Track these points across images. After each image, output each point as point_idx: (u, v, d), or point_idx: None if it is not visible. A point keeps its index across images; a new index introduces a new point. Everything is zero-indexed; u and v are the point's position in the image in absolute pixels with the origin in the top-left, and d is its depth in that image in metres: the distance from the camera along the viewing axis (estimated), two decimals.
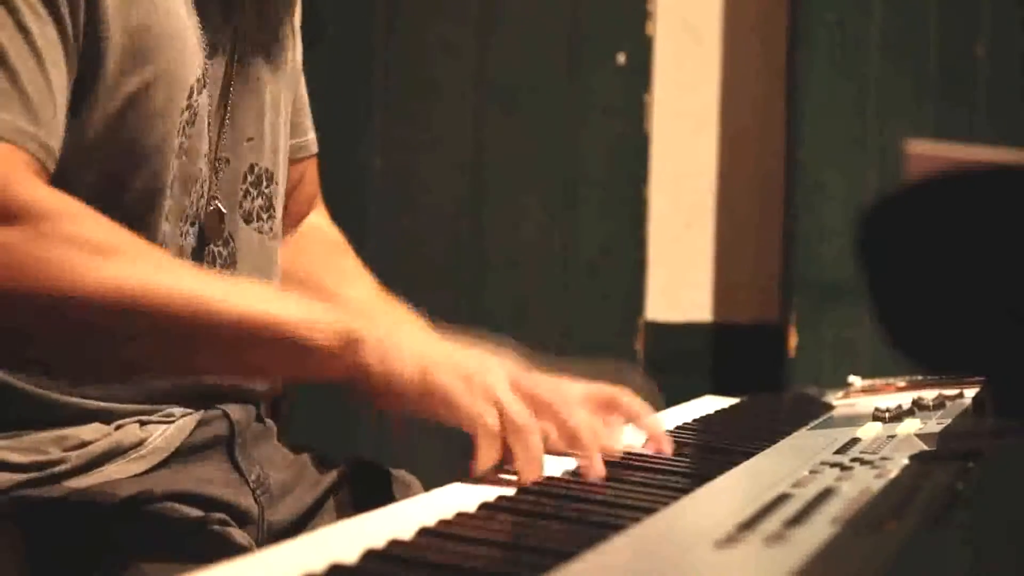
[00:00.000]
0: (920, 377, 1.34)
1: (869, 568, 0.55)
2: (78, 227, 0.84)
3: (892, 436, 0.95)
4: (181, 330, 0.85)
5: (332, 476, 1.14)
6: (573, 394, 0.96)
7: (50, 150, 0.88)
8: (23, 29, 0.86)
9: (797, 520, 0.64)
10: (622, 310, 2.43)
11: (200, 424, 1.04)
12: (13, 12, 0.86)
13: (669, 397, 1.43)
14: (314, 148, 1.29)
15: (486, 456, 0.86)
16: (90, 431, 0.98)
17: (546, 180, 2.41)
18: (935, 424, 0.99)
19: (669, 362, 2.50)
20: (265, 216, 1.10)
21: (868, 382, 1.43)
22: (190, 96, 0.98)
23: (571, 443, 0.88)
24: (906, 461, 0.81)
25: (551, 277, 2.39)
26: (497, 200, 2.38)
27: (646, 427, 0.98)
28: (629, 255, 2.43)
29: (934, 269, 0.69)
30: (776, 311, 2.51)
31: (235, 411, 1.07)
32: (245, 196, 1.08)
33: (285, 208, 1.18)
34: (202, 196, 1.02)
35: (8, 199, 0.82)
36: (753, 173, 2.57)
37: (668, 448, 0.97)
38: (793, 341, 2.45)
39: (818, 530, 0.62)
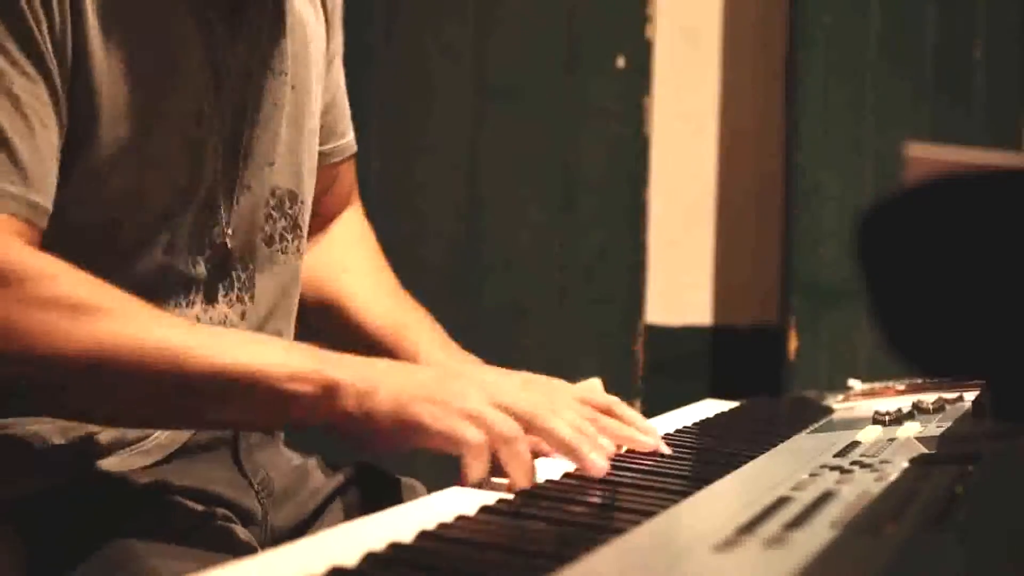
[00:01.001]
0: (920, 380, 1.34)
1: (869, 571, 0.55)
2: (57, 288, 0.84)
3: (892, 439, 0.95)
4: (158, 386, 0.85)
5: (337, 480, 1.14)
6: (559, 397, 0.96)
7: (38, 208, 0.88)
8: (9, 90, 0.87)
9: (797, 523, 0.64)
10: (621, 313, 2.43)
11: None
12: (0, 74, 0.87)
13: (668, 400, 1.44)
14: (352, 149, 1.29)
15: (474, 471, 0.86)
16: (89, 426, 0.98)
17: (545, 183, 2.41)
18: (935, 427, 0.99)
19: (669, 365, 2.50)
20: (290, 237, 1.10)
21: (868, 385, 1.43)
22: (188, 131, 0.97)
23: (560, 449, 0.89)
24: (906, 464, 0.81)
25: (550, 280, 2.39)
26: (496, 203, 2.38)
27: (640, 443, 0.98)
28: (628, 258, 2.43)
29: (933, 272, 0.69)
30: (776, 314, 2.51)
31: None
32: (267, 220, 1.07)
33: (317, 208, 1.18)
34: (215, 225, 1.02)
35: None
36: (752, 176, 2.57)
37: (666, 450, 0.97)
38: (793, 344, 2.45)
39: (818, 533, 0.62)
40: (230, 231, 1.03)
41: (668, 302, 2.54)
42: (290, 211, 1.10)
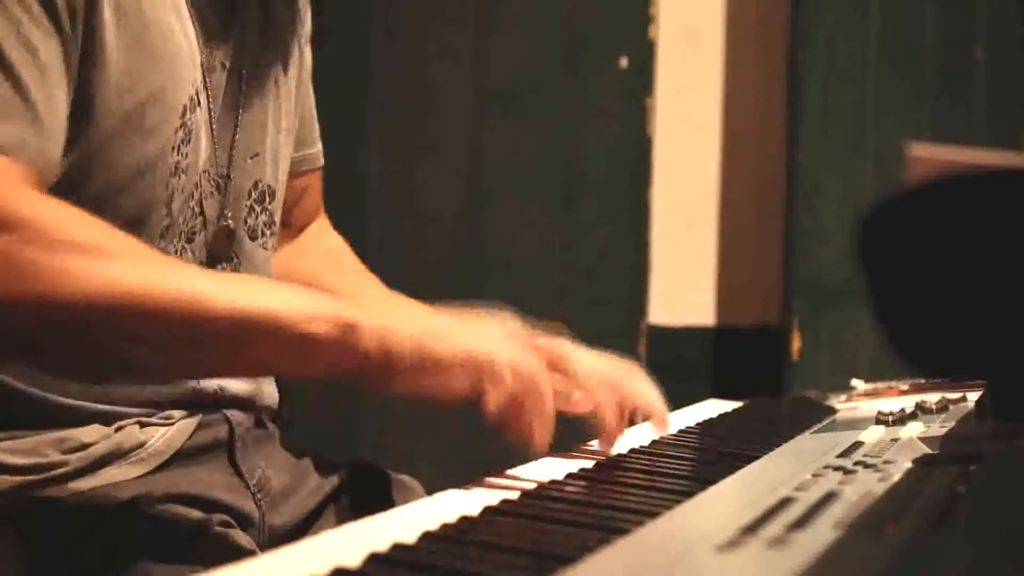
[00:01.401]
0: (923, 380, 1.34)
1: (871, 572, 0.55)
2: (74, 231, 0.84)
3: (895, 439, 0.95)
4: (180, 329, 0.84)
5: (334, 480, 1.14)
6: (577, 354, 0.96)
7: (52, 160, 0.88)
8: (28, 41, 0.87)
9: (800, 524, 0.65)
10: (623, 314, 2.43)
11: (200, 427, 1.04)
12: (18, 24, 0.87)
13: (671, 401, 1.43)
14: (319, 161, 1.29)
15: (493, 400, 0.86)
16: (90, 433, 0.98)
17: (547, 184, 2.41)
18: (938, 427, 0.99)
19: (671, 366, 2.50)
20: (268, 232, 1.11)
21: (871, 385, 1.43)
22: (184, 115, 0.98)
23: (584, 393, 0.88)
24: (909, 464, 0.81)
25: (551, 281, 2.39)
26: (497, 204, 2.38)
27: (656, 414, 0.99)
28: (630, 259, 2.43)
29: (935, 272, 0.69)
30: (778, 314, 2.51)
31: (235, 414, 1.07)
32: (250, 213, 1.08)
33: (287, 220, 1.18)
34: (200, 214, 1.02)
35: (4, 208, 0.82)
36: (754, 176, 2.58)
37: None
38: (795, 344, 2.45)
39: (821, 534, 0.62)
40: (218, 221, 1.04)
41: (670, 302, 2.54)
42: (269, 207, 1.11)
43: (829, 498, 0.71)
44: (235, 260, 1.07)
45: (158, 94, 0.96)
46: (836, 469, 0.83)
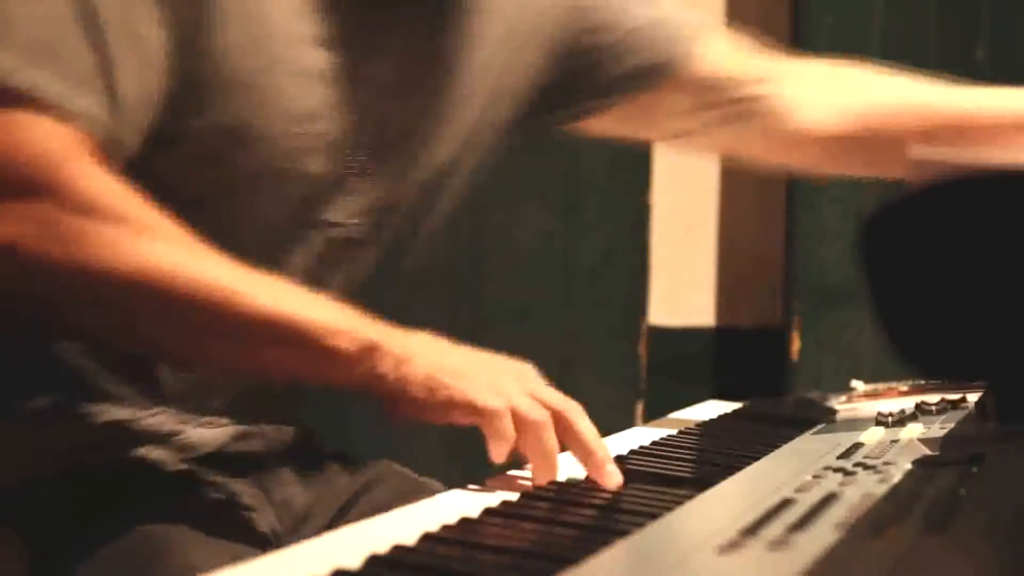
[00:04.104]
0: (923, 381, 1.34)
1: (872, 573, 0.55)
2: (121, 206, 0.85)
3: (895, 440, 0.95)
4: (206, 320, 0.86)
5: (358, 483, 1.13)
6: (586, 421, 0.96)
7: (122, 146, 0.88)
8: (133, 30, 0.87)
9: (800, 525, 0.64)
10: (624, 314, 2.42)
11: (237, 437, 1.03)
12: (129, 10, 0.87)
13: (671, 401, 1.44)
14: (675, 67, 1.22)
15: (496, 448, 0.86)
16: (126, 412, 0.98)
17: (547, 184, 2.40)
18: (938, 428, 0.99)
19: (671, 366, 2.50)
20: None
21: (871, 386, 1.43)
22: (302, 124, 0.97)
23: (582, 452, 0.88)
24: (909, 466, 0.81)
25: (552, 282, 2.39)
26: (498, 205, 2.38)
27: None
28: (631, 259, 2.43)
29: (936, 273, 0.69)
30: (778, 315, 2.51)
31: (272, 430, 1.06)
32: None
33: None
34: (322, 216, 1.02)
35: (58, 174, 0.84)
36: (754, 176, 2.57)
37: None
38: (795, 345, 2.45)
39: (821, 535, 0.62)
40: (346, 227, 1.04)
41: (671, 303, 2.54)
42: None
43: (829, 499, 0.71)
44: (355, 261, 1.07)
45: (265, 105, 0.95)
46: (836, 470, 0.83)
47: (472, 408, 0.87)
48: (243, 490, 1.01)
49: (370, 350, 0.87)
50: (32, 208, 0.83)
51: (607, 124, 1.27)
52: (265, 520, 1.00)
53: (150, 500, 0.95)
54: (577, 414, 0.89)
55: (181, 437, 0.99)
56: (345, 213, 1.03)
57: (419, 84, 1.05)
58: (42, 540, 0.94)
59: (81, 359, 0.97)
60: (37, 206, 0.83)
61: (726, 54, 1.26)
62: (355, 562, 0.61)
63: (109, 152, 0.87)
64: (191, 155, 0.94)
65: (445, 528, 0.69)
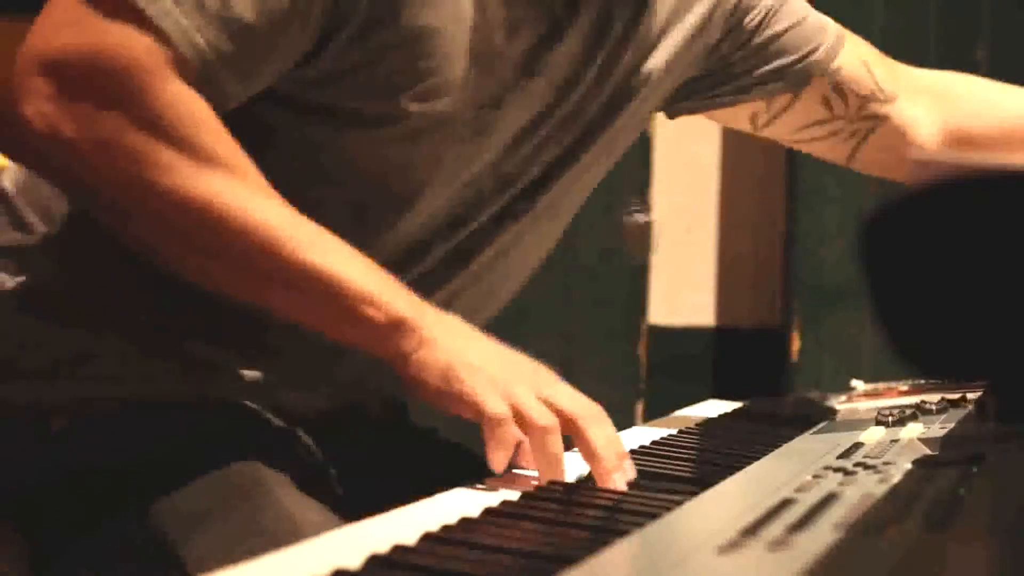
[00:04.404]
0: (923, 381, 1.34)
1: (872, 573, 0.55)
2: (193, 131, 0.86)
3: (895, 440, 0.95)
4: (249, 261, 0.87)
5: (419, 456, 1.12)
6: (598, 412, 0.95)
7: (223, 82, 0.88)
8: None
9: (800, 525, 0.64)
10: (624, 314, 2.43)
11: (335, 407, 1.04)
12: None
13: (671, 401, 1.44)
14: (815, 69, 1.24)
15: (495, 454, 0.86)
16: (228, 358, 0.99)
17: None
18: (938, 428, 0.99)
19: (671, 366, 2.50)
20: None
21: (871, 386, 1.43)
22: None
23: (591, 458, 0.88)
24: (909, 465, 0.81)
25: (553, 281, 2.39)
26: None
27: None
28: (631, 259, 2.43)
29: (937, 274, 0.69)
30: (778, 315, 2.51)
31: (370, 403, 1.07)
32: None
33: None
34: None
35: (139, 87, 0.85)
36: (754, 176, 2.57)
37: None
38: (795, 345, 2.45)
39: (821, 535, 0.62)
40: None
41: (671, 303, 2.54)
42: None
43: (829, 499, 0.71)
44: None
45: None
46: (836, 470, 0.83)
47: (478, 410, 0.87)
48: (334, 459, 1.01)
49: (397, 326, 0.88)
50: (107, 116, 0.84)
51: (729, 115, 1.28)
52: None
53: (249, 443, 0.95)
54: (590, 420, 0.89)
55: (279, 396, 1.00)
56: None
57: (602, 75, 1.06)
58: (47, 535, 0.94)
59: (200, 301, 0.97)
60: (111, 114, 0.84)
61: (859, 67, 1.27)
62: (355, 562, 0.61)
63: (208, 84, 0.88)
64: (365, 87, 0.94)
65: (445, 528, 0.69)
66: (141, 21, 0.85)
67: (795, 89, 1.23)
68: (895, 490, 0.73)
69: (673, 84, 1.18)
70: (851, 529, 0.62)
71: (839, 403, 1.32)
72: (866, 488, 0.74)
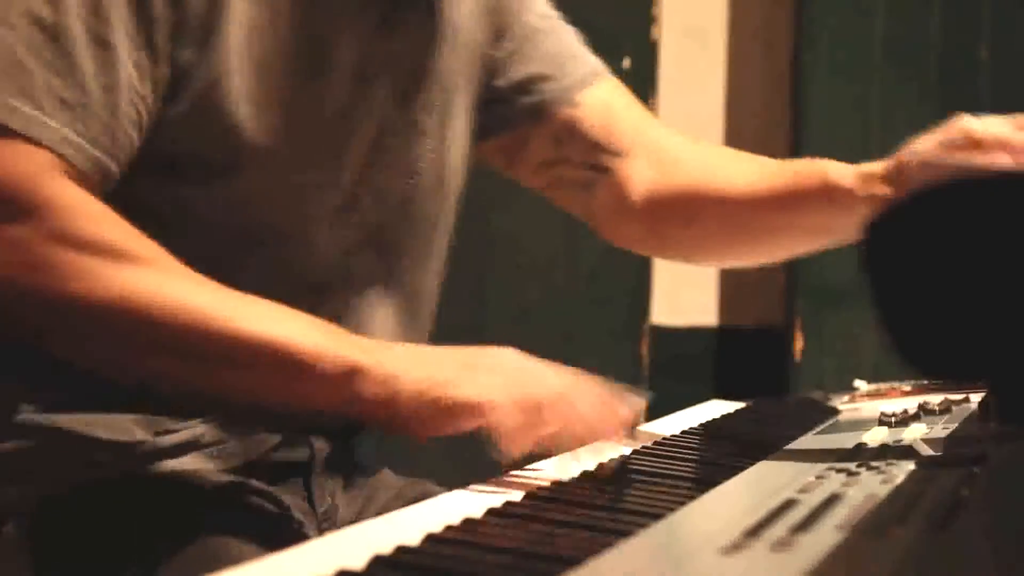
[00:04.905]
0: (926, 381, 1.34)
1: (875, 574, 0.55)
2: (96, 229, 0.84)
3: (898, 441, 0.95)
4: (185, 346, 0.85)
5: (403, 500, 1.12)
6: (579, 388, 0.95)
7: (98, 164, 0.87)
8: (108, 42, 0.86)
9: (803, 526, 0.64)
10: (626, 314, 2.43)
11: (282, 445, 1.01)
12: (102, 27, 0.86)
13: (674, 401, 1.44)
14: (575, 94, 1.20)
15: (503, 445, 0.86)
16: (174, 422, 0.96)
17: None
18: (941, 429, 0.99)
19: (674, 366, 2.50)
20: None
21: (874, 386, 1.43)
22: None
23: (588, 436, 0.88)
24: (912, 466, 0.81)
25: (555, 281, 2.39)
26: (500, 204, 2.38)
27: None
28: (633, 259, 2.42)
29: (939, 275, 0.69)
30: (781, 315, 2.51)
31: (318, 441, 1.04)
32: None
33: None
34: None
35: (31, 195, 0.83)
36: None
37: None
38: (798, 345, 2.45)
39: (824, 536, 0.62)
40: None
41: (673, 303, 2.54)
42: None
43: (832, 500, 0.71)
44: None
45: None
46: (839, 471, 0.83)
47: (477, 410, 0.86)
48: (290, 500, 0.98)
49: (352, 373, 0.86)
50: (9, 232, 0.82)
51: (488, 152, 1.24)
52: (311, 531, 0.98)
53: (197, 512, 0.93)
54: (563, 402, 0.89)
55: (223, 447, 0.97)
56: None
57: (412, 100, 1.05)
58: (52, 552, 0.93)
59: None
60: (15, 229, 0.82)
61: (601, 111, 1.21)
62: (359, 563, 0.61)
63: (93, 175, 0.86)
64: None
65: (448, 529, 0.69)
66: (14, 135, 0.83)
67: (535, 120, 1.19)
68: (898, 491, 0.73)
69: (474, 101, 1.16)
70: (854, 530, 0.63)
71: (842, 403, 1.32)
72: (869, 489, 0.74)
